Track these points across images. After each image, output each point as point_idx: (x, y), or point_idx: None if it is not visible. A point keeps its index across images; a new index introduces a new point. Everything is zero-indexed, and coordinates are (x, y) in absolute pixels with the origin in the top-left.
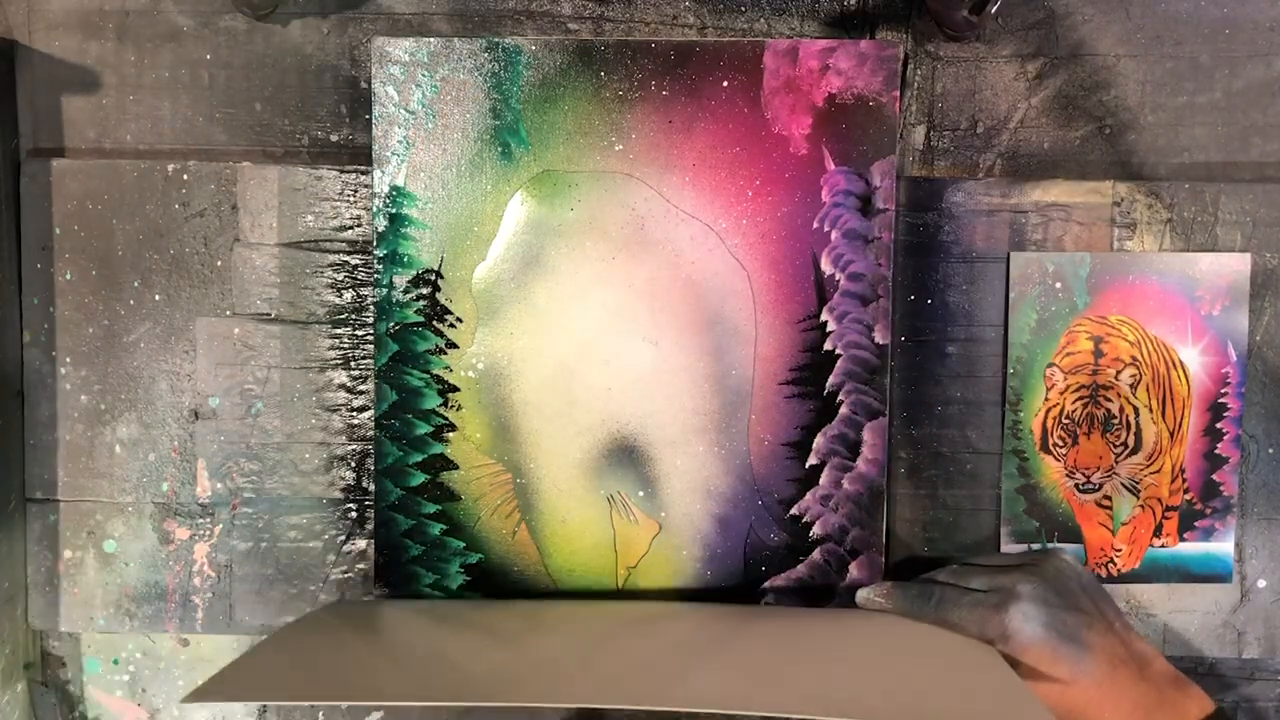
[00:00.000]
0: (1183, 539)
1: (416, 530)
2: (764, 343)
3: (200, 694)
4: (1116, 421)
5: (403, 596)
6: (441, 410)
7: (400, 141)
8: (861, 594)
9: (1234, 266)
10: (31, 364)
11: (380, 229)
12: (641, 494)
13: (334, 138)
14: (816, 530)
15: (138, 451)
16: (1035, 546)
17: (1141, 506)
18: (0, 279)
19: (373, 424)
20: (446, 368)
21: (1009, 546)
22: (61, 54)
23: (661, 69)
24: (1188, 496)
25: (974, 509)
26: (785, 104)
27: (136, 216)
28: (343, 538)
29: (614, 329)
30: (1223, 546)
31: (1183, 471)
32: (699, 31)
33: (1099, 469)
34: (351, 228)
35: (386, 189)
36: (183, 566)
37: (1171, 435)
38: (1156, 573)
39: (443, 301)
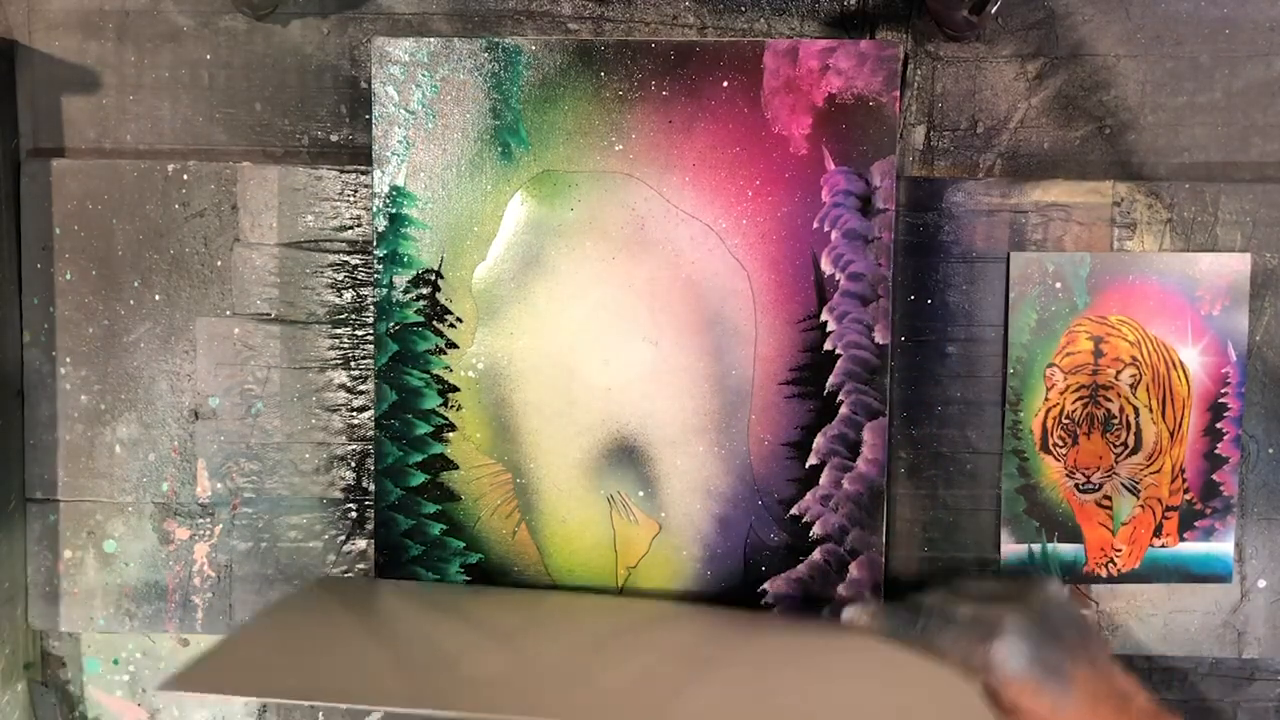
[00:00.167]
0: (1183, 539)
1: (416, 530)
2: (764, 343)
3: (185, 681)
4: (1116, 421)
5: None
6: (441, 410)
7: (400, 141)
8: (848, 613)
9: (1234, 266)
10: (31, 364)
11: (380, 229)
12: (641, 494)
13: (334, 138)
14: (816, 530)
15: (138, 451)
16: (1034, 546)
17: (1141, 506)
18: (0, 279)
19: (373, 424)
20: (446, 368)
21: (1009, 547)
22: (61, 54)
23: (661, 69)
24: (1188, 496)
25: (974, 509)
26: (785, 104)
27: (136, 216)
28: (343, 538)
29: (614, 329)
30: (1223, 546)
31: (1183, 471)
32: (699, 31)
33: (1099, 469)
34: (351, 228)
35: (386, 189)
36: (183, 566)
37: (1171, 435)
38: (1156, 573)
39: (443, 301)
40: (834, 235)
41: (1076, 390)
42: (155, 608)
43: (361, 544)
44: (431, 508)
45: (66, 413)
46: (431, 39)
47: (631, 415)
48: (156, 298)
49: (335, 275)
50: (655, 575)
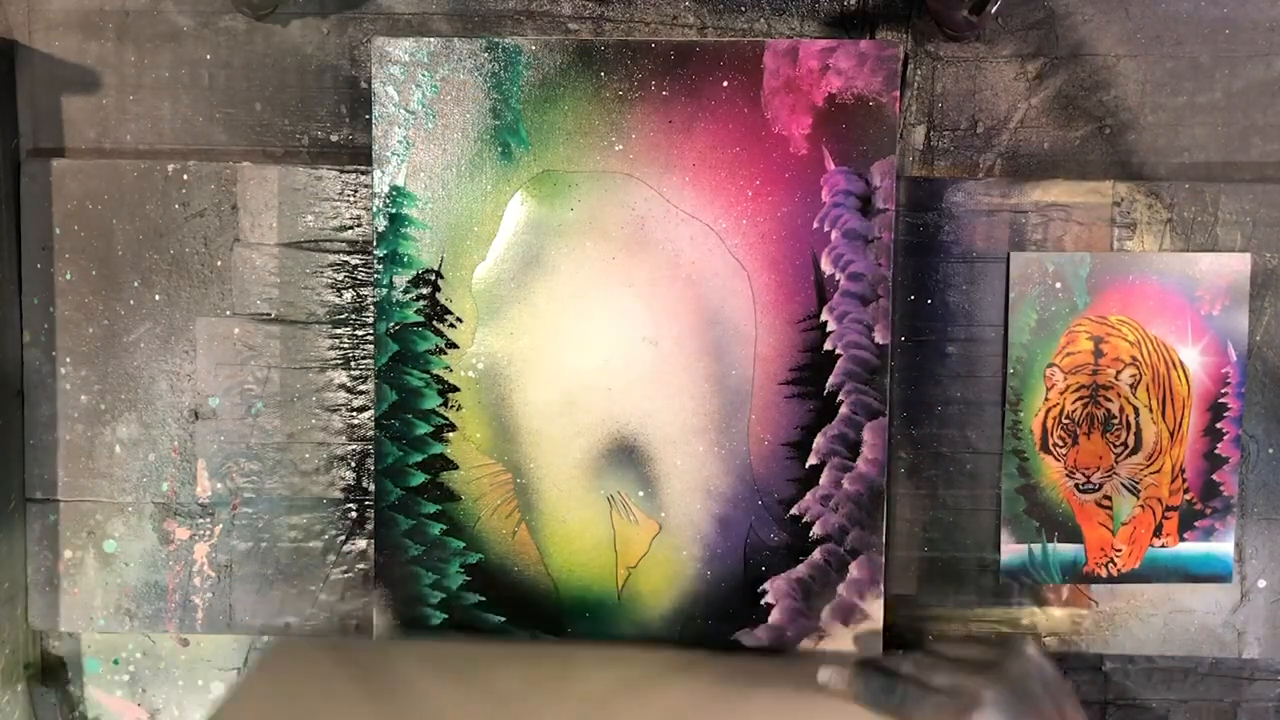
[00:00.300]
0: (1183, 539)
1: (416, 530)
2: (764, 343)
3: None
4: (1116, 421)
5: (402, 599)
6: (441, 410)
7: (400, 141)
8: (823, 674)
9: (1234, 266)
10: (31, 364)
11: (380, 229)
12: (641, 494)
13: (334, 138)
14: (816, 530)
15: (138, 451)
16: (1034, 546)
17: (1141, 506)
18: (0, 279)
19: (373, 424)
20: (446, 368)
21: (1009, 547)
22: (61, 54)
23: (661, 69)
24: (1188, 496)
25: (974, 509)
26: (785, 104)
27: (136, 216)
28: (343, 538)
29: (614, 329)
30: (1223, 546)
31: (1183, 471)
32: (699, 31)
33: (1099, 469)
34: (351, 228)
35: (386, 189)
36: (183, 566)
37: (1171, 435)
38: (1156, 573)
39: (443, 301)
40: (834, 235)
41: (1076, 390)
42: (155, 608)
43: (361, 544)
44: (431, 508)
45: (66, 413)
46: (431, 39)
47: (631, 415)
48: (156, 298)
49: (335, 275)
50: (655, 575)
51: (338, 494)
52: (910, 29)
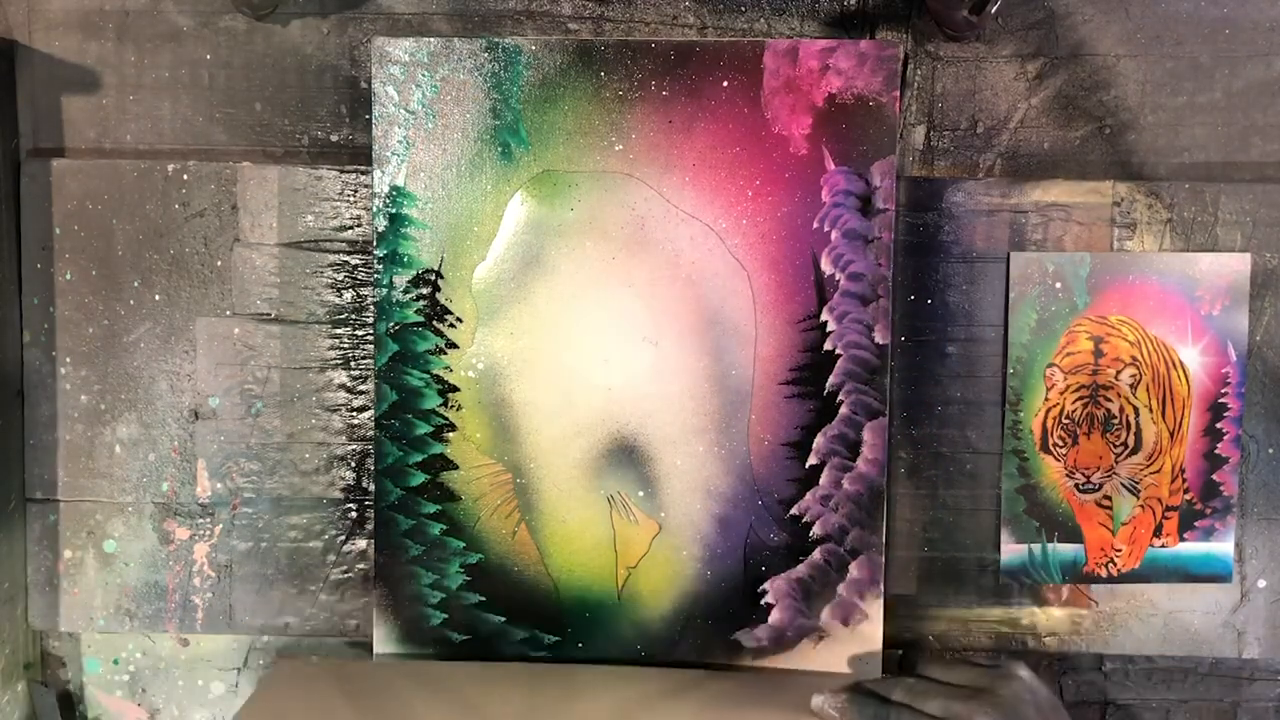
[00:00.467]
0: (1183, 539)
1: (416, 530)
2: (764, 343)
3: None
4: (1116, 421)
5: (402, 598)
6: (441, 410)
7: (400, 141)
8: (816, 701)
9: (1234, 266)
10: (31, 364)
11: (380, 229)
12: (641, 494)
13: (334, 138)
14: (816, 530)
15: (138, 451)
16: (1034, 546)
17: (1141, 506)
18: (0, 279)
19: (373, 424)
20: (446, 368)
21: (1009, 547)
22: (61, 54)
23: (661, 69)
24: (1188, 496)
25: (974, 509)
26: (785, 104)
27: (136, 216)
28: (343, 538)
29: (614, 329)
30: (1223, 546)
31: (1183, 471)
32: (699, 31)
33: (1099, 469)
34: (351, 228)
35: (386, 189)
36: (183, 566)
37: (1171, 435)
38: (1156, 573)
39: (443, 301)
40: (834, 235)
41: (1076, 390)
42: (155, 608)
43: (361, 544)
44: (431, 508)
45: (66, 413)
46: (431, 39)
47: (631, 415)
48: (156, 298)
49: (335, 275)
50: (655, 575)
51: (338, 494)
52: (910, 29)
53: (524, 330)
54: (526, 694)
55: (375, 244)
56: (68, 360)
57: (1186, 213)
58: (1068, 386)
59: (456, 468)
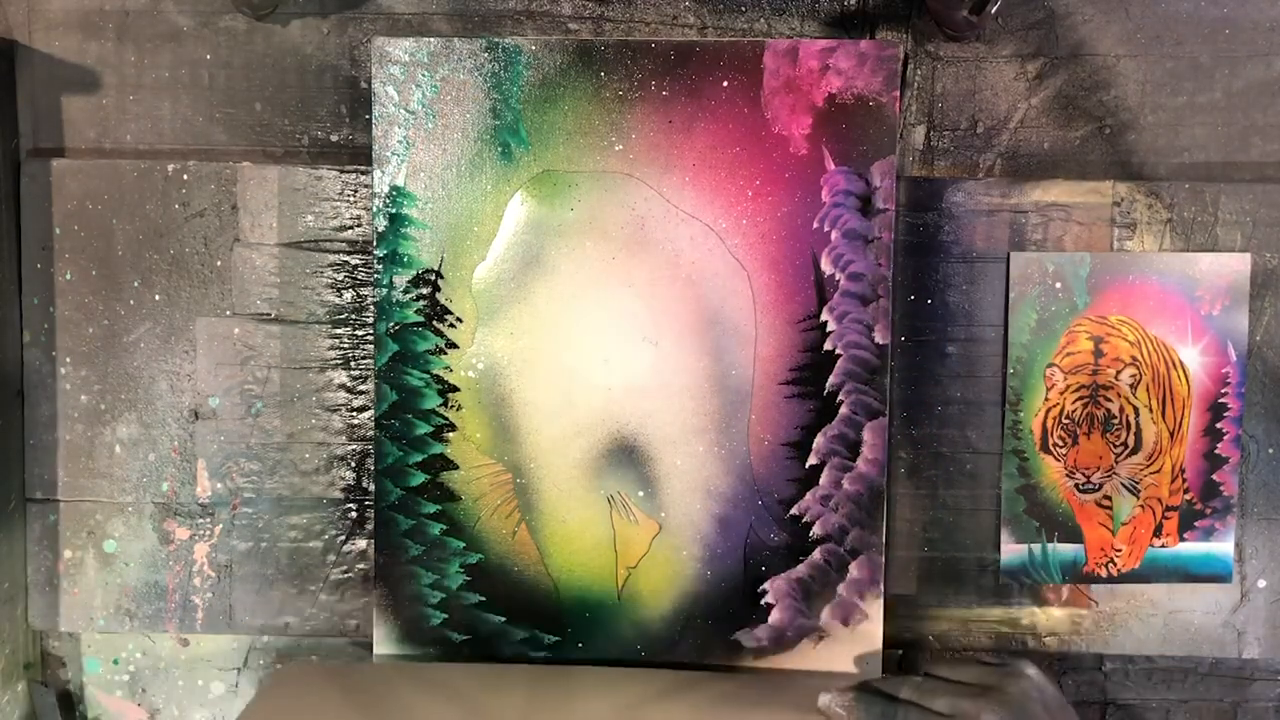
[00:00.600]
0: (1183, 539)
1: (416, 530)
2: (764, 343)
3: None
4: (1116, 421)
5: (402, 598)
6: (441, 410)
7: (400, 141)
8: (823, 699)
9: (1234, 266)
10: (31, 364)
11: (380, 229)
12: (641, 494)
13: (334, 138)
14: (816, 530)
15: (138, 451)
16: (1034, 546)
17: (1141, 506)
18: (0, 279)
19: (373, 424)
20: (446, 368)
21: (1009, 547)
22: (61, 54)
23: (661, 69)
24: (1188, 496)
25: (974, 509)
26: (785, 104)
27: (136, 216)
28: (343, 538)
29: (614, 329)
30: (1223, 546)
31: (1183, 471)
32: (699, 31)
33: (1099, 469)
34: (351, 228)
35: (386, 189)
36: (183, 566)
37: (1171, 435)
38: (1156, 573)
39: (443, 301)
40: (834, 235)
41: (1076, 390)
42: (155, 608)
43: (361, 544)
44: (431, 508)
45: (66, 413)
46: (431, 39)
47: (631, 415)
48: (156, 298)
49: (335, 275)
50: (655, 575)
51: (338, 494)
52: (910, 29)
53: (524, 330)
54: (527, 694)
55: (375, 244)
56: (68, 360)
57: (1186, 213)
58: (1068, 386)
59: (456, 468)
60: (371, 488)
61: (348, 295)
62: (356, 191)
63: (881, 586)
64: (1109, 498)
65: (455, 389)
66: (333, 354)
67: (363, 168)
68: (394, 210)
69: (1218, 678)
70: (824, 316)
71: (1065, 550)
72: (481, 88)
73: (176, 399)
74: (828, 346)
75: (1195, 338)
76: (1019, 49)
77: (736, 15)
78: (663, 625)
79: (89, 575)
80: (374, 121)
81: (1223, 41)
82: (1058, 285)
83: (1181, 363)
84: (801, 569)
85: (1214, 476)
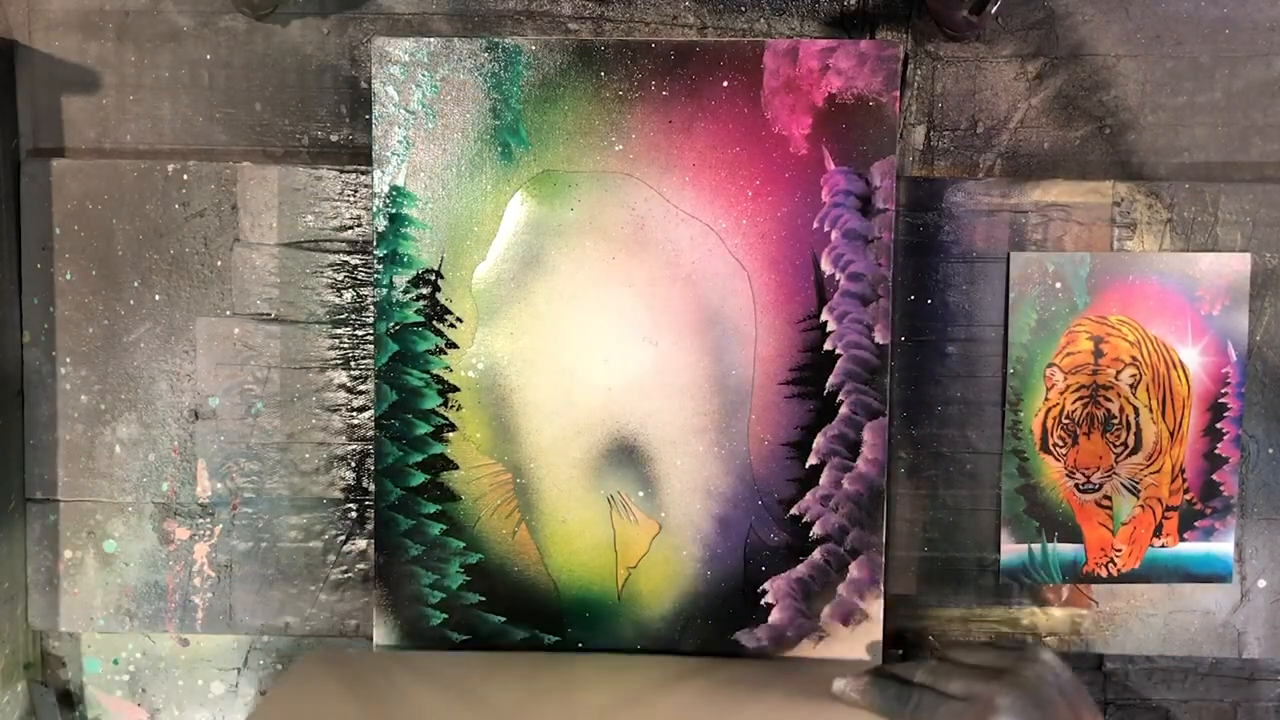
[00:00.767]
0: (1183, 539)
1: (416, 530)
2: (764, 343)
3: None
4: (1116, 421)
5: (402, 598)
6: (441, 410)
7: (400, 141)
8: (838, 685)
9: (1234, 266)
10: (31, 364)
11: (380, 229)
12: (641, 494)
13: (334, 138)
14: (816, 530)
15: (138, 451)
16: (1034, 546)
17: (1141, 506)
18: (0, 279)
19: (373, 424)
20: (446, 368)
21: (1009, 547)
22: (61, 54)
23: (661, 69)
24: (1188, 496)
25: (974, 509)
26: (785, 104)
27: (136, 216)
28: (343, 538)
29: (614, 329)
30: (1223, 546)
31: (1183, 471)
32: (699, 31)
33: (1099, 469)
34: (351, 228)
35: (386, 189)
36: (183, 566)
37: (1171, 435)
38: (1156, 573)
39: (443, 301)
40: (834, 235)
41: (1076, 390)
42: (155, 608)
43: (361, 544)
44: (431, 508)
45: (66, 413)
46: (431, 39)
47: (631, 415)
48: (156, 298)
49: (335, 275)
50: (655, 575)
51: (338, 494)
52: (910, 29)
53: (524, 330)
54: (528, 682)
55: (375, 244)
56: (68, 360)
57: (1186, 213)
58: (1068, 386)
59: (456, 468)
60: (371, 488)
61: (348, 295)
62: (356, 191)
63: (881, 586)
64: (1109, 498)
65: (455, 389)
66: (333, 354)
67: (363, 168)
68: (394, 210)
69: (1218, 678)
70: (824, 316)
71: (1065, 550)
72: (481, 88)
73: (176, 399)
74: (828, 346)
75: (1195, 338)
76: (1019, 49)
77: (736, 15)
78: (663, 625)
79: (89, 575)
80: (374, 121)
81: (1223, 41)
82: (1058, 285)
83: (1181, 363)
84: (801, 569)
85: (1214, 476)
